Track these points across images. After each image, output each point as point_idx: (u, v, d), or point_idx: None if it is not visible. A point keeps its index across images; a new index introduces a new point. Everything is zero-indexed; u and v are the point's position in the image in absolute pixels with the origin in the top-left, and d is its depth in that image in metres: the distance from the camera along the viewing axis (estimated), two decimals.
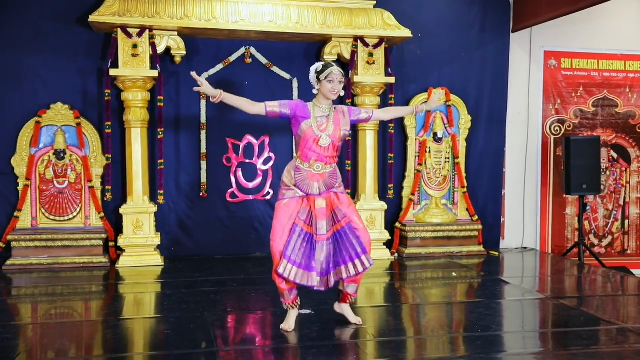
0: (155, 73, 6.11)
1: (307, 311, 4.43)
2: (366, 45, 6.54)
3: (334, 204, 4.14)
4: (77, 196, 6.33)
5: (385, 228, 6.76)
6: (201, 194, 6.65)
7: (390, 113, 4.87)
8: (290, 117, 4.14)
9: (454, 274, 6.07)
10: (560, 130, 7.63)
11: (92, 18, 5.91)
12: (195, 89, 4.15)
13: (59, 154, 6.25)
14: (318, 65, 4.15)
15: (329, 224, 4.09)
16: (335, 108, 4.20)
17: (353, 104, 6.71)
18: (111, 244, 6.31)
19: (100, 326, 4.35)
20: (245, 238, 6.78)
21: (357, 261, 4.05)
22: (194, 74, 4.17)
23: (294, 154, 4.35)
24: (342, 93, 4.16)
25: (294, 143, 4.84)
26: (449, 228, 6.91)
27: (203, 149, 6.63)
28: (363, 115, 4.32)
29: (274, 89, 6.74)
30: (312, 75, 4.14)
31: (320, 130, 4.08)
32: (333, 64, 4.18)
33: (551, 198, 7.64)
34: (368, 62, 6.55)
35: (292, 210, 4.07)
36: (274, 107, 4.13)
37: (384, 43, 6.60)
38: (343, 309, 4.28)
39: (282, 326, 4.11)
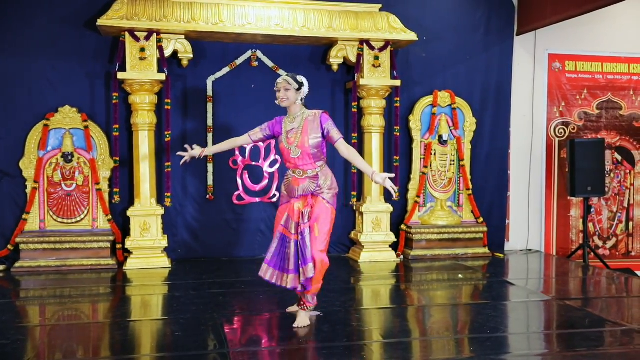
0: (162, 76, 6.15)
1: (316, 313, 4.46)
2: (372, 48, 6.58)
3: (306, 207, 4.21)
4: (84, 199, 6.37)
5: (391, 230, 6.79)
6: (208, 197, 6.69)
7: (352, 157, 4.29)
8: (275, 135, 4.34)
9: (460, 275, 6.10)
10: (565, 132, 7.65)
11: (100, 22, 5.95)
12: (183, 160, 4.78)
13: (67, 157, 6.28)
14: None
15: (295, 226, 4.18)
16: (307, 117, 4.23)
17: (359, 107, 6.76)
18: (118, 246, 6.35)
19: (109, 328, 4.39)
20: (252, 240, 6.82)
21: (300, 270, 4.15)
22: (182, 153, 4.79)
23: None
24: (290, 98, 4.21)
25: None
26: (454, 230, 6.95)
27: None
28: (332, 134, 4.20)
29: None
30: None
31: (289, 143, 4.21)
32: (288, 74, 4.30)
33: (555, 200, 7.66)
34: (374, 65, 6.59)
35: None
36: (256, 133, 4.42)
37: (389, 46, 6.63)
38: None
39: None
